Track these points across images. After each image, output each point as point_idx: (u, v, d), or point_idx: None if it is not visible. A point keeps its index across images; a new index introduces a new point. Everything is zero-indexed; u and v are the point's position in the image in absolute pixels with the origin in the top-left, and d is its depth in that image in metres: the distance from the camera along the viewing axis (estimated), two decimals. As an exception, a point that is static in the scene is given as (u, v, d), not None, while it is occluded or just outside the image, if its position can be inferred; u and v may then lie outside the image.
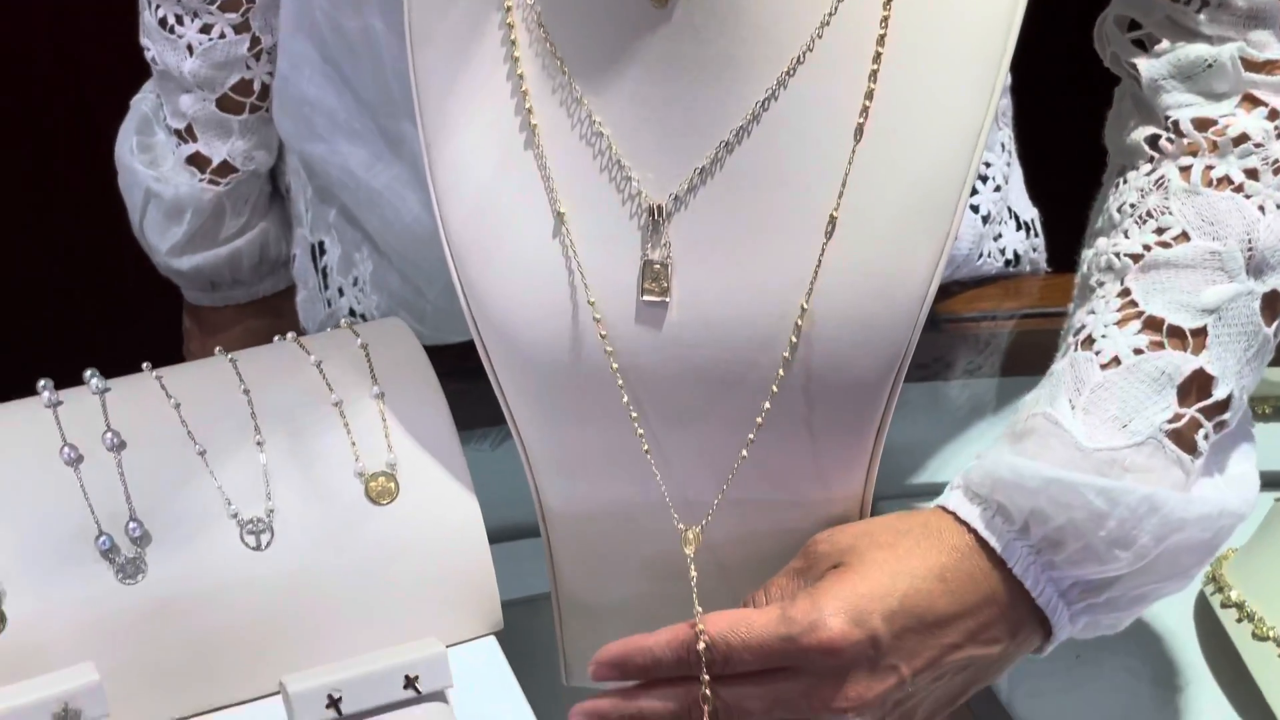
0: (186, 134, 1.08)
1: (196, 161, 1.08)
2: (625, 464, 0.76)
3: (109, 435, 0.76)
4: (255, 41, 1.05)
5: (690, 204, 0.72)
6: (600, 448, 0.76)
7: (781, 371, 0.72)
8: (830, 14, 0.71)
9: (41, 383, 0.78)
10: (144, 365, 0.81)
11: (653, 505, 0.76)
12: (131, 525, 0.74)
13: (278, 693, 0.73)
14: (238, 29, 1.04)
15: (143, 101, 1.12)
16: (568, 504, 0.79)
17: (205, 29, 1.04)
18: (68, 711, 0.69)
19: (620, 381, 0.74)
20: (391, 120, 0.99)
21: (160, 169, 1.10)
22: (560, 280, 0.73)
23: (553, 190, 0.73)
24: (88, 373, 0.79)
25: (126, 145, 1.11)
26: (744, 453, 0.74)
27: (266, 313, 1.15)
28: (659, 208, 0.72)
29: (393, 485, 0.78)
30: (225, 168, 1.08)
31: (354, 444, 0.78)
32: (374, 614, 0.76)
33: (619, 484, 0.77)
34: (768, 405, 0.73)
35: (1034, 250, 1.08)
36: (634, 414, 0.74)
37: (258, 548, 0.76)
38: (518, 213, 0.74)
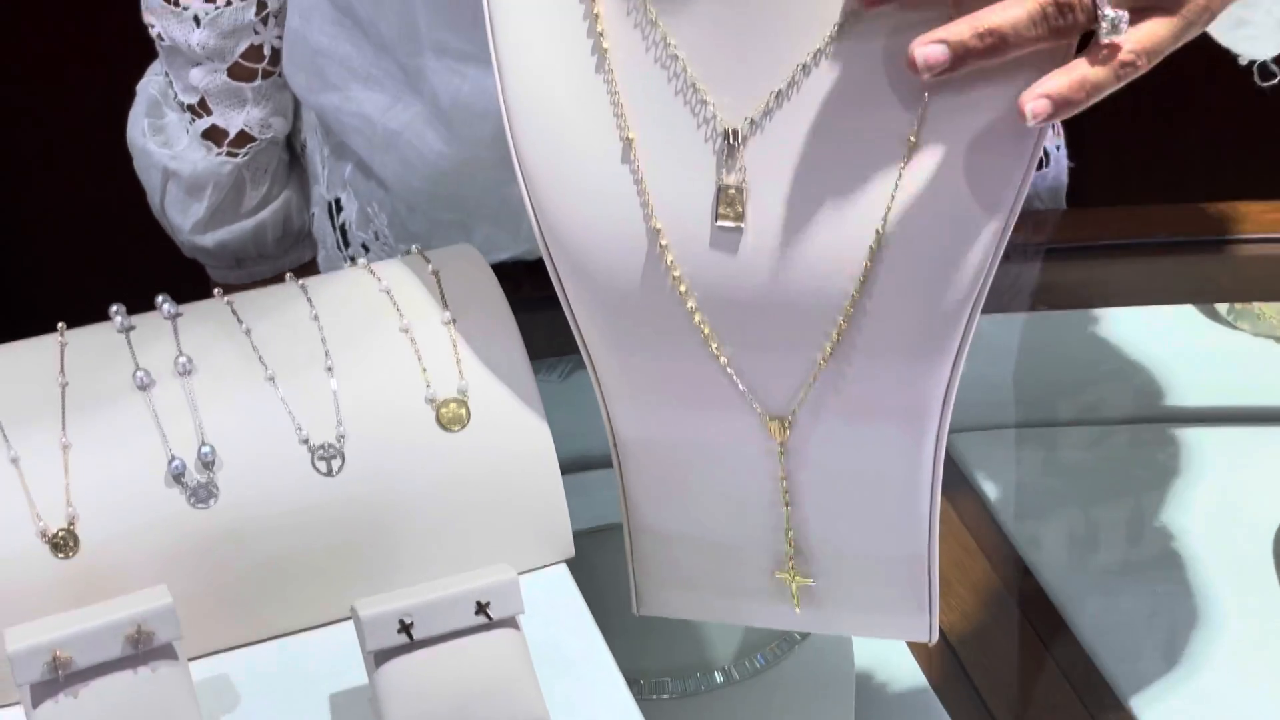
0: (200, 108, 1.07)
1: (213, 135, 1.07)
2: (701, 390, 0.75)
3: (181, 360, 0.76)
4: (262, 5, 1.04)
5: (766, 128, 0.71)
6: (674, 373, 0.75)
7: (855, 293, 0.71)
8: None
9: (114, 307, 0.78)
10: (215, 291, 0.80)
11: (729, 430, 0.76)
12: (204, 449, 0.74)
13: (348, 618, 0.73)
14: None
15: (149, 85, 1.11)
16: (641, 431, 0.78)
17: None
18: (140, 634, 0.69)
19: (693, 305, 0.73)
20: (412, 57, 0.98)
21: (175, 148, 1.08)
22: (631, 206, 0.73)
23: (623, 114, 0.72)
24: (159, 298, 0.79)
25: (138, 129, 1.10)
26: (817, 376, 0.73)
27: None
28: (734, 132, 0.71)
29: (464, 412, 0.77)
30: (243, 138, 1.07)
31: (425, 370, 0.78)
32: (445, 541, 0.76)
33: (695, 410, 0.76)
34: (841, 329, 0.72)
35: (1058, 149, 1.06)
36: (710, 339, 0.73)
37: (328, 473, 0.75)
38: (588, 137, 0.73)
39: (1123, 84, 0.67)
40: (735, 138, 0.71)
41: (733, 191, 0.71)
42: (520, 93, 0.74)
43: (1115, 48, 0.67)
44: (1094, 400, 1.14)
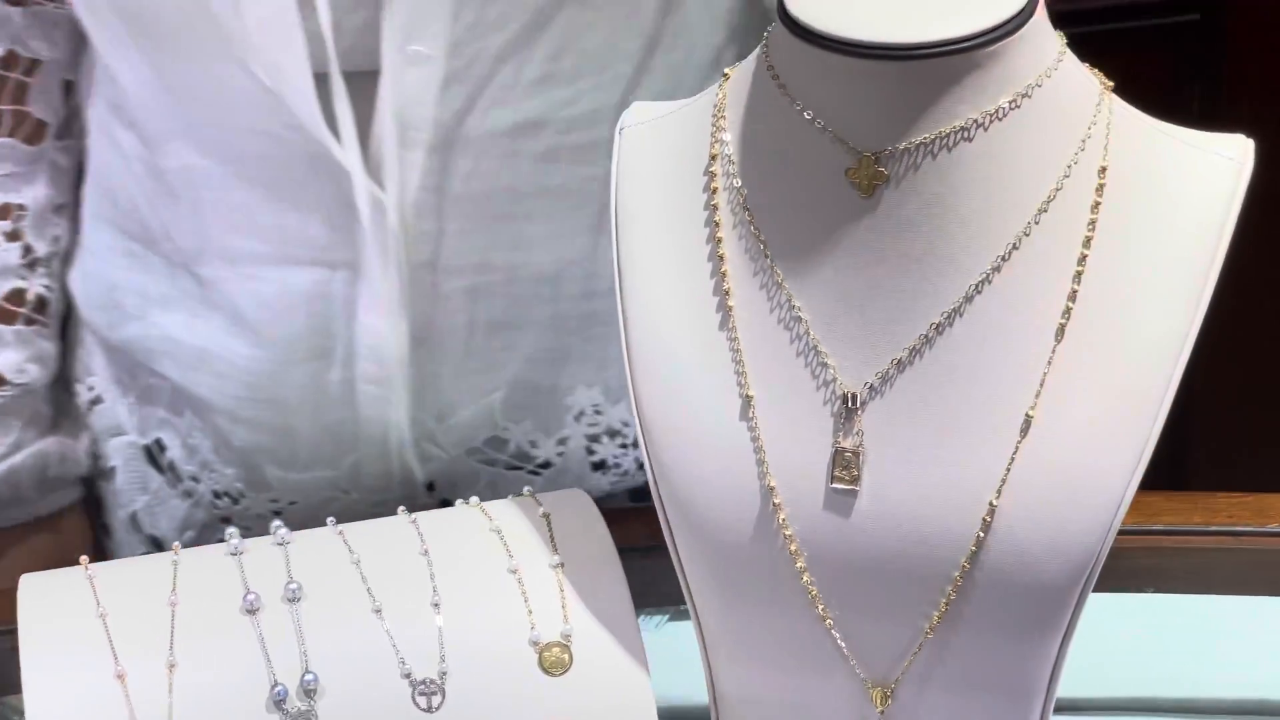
0: None
1: None
2: (804, 651, 0.75)
3: (290, 586, 0.77)
4: (28, 250, 1.00)
5: (885, 394, 0.72)
6: (779, 633, 0.75)
7: (967, 565, 0.71)
8: (1040, 212, 0.70)
9: (229, 530, 0.80)
10: (328, 520, 0.81)
11: (830, 694, 0.75)
12: (307, 677, 0.75)
13: None
14: (9, 236, 0.99)
15: None
16: (742, 688, 0.78)
17: None
18: None
19: (802, 565, 0.73)
20: (208, 265, 0.96)
21: None
22: (747, 463, 0.73)
23: (744, 372, 0.73)
24: (275, 523, 0.80)
25: None
26: (922, 646, 0.73)
27: (50, 530, 1.06)
28: (853, 395, 0.72)
29: (566, 657, 0.77)
30: None
31: (530, 612, 0.78)
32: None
33: (796, 671, 0.76)
34: (950, 599, 0.72)
35: None
36: (817, 600, 0.73)
37: (428, 709, 0.75)
38: (709, 391, 0.74)
39: None
40: (854, 401, 0.72)
41: (849, 454, 0.72)
42: (644, 343, 0.75)
43: None
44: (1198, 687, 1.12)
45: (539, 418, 0.99)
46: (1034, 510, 0.71)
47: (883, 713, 0.75)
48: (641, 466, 0.98)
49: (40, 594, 0.78)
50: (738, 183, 0.74)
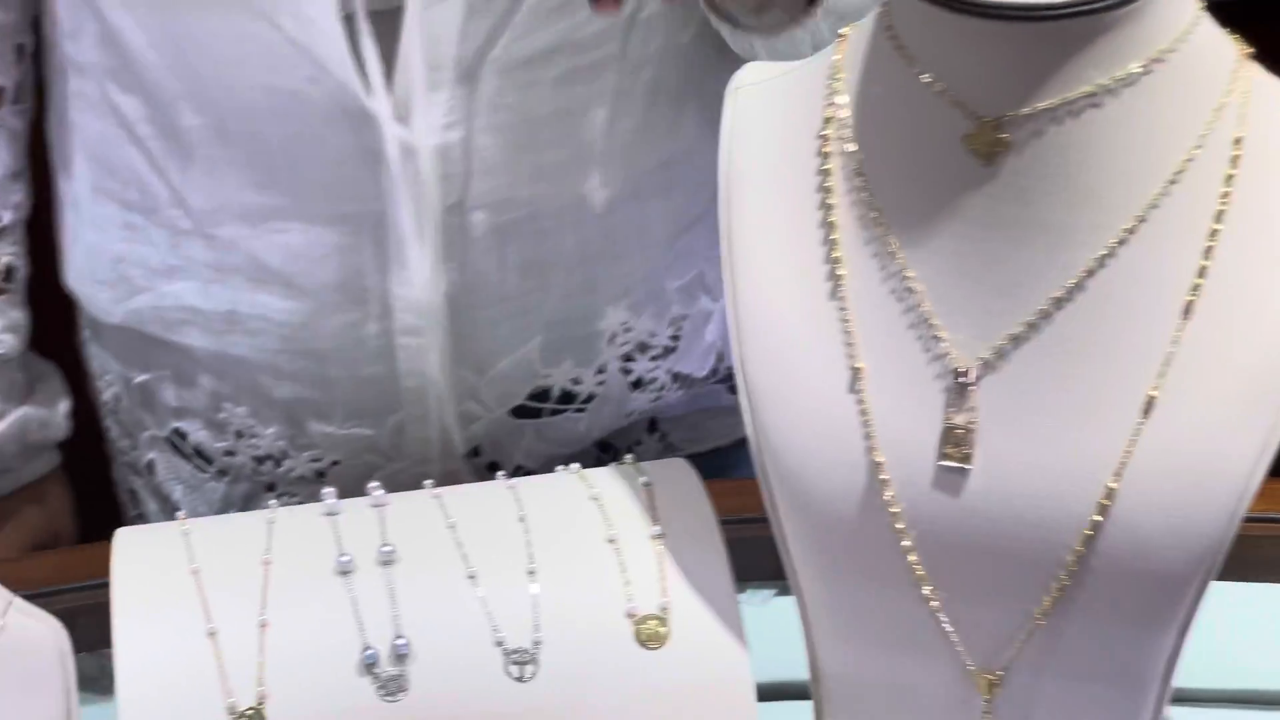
0: None
1: None
2: (907, 632, 0.72)
3: (384, 549, 0.75)
4: None
5: (1000, 370, 0.69)
6: (882, 612, 0.73)
7: (1081, 550, 0.68)
8: (1170, 183, 0.67)
9: (326, 490, 0.78)
10: (425, 482, 0.80)
11: (934, 678, 0.73)
12: (399, 642, 0.73)
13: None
14: None
15: None
16: (844, 667, 0.75)
17: None
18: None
19: (908, 544, 0.71)
20: (225, 225, 0.94)
21: None
22: (853, 436, 0.71)
23: (853, 343, 0.71)
24: (371, 484, 0.79)
25: None
26: (1032, 633, 0.70)
27: (35, 499, 1.06)
28: (966, 371, 0.69)
29: (663, 630, 0.75)
30: None
31: (627, 583, 0.76)
32: (626, 763, 0.74)
33: (899, 652, 0.73)
34: (1063, 585, 0.69)
35: None
36: (923, 580, 0.71)
37: (520, 679, 0.74)
38: (817, 362, 0.72)
39: None
40: (967, 377, 0.69)
41: (960, 432, 0.69)
42: (751, 309, 0.73)
43: None
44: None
45: (577, 353, 0.99)
46: (1154, 495, 0.68)
47: (989, 701, 0.72)
48: (676, 379, 1.02)
49: (134, 549, 0.77)
50: (852, 147, 0.72)
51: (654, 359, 1.03)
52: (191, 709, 0.72)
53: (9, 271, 1.01)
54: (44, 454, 1.06)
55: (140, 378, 1.03)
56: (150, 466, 1.07)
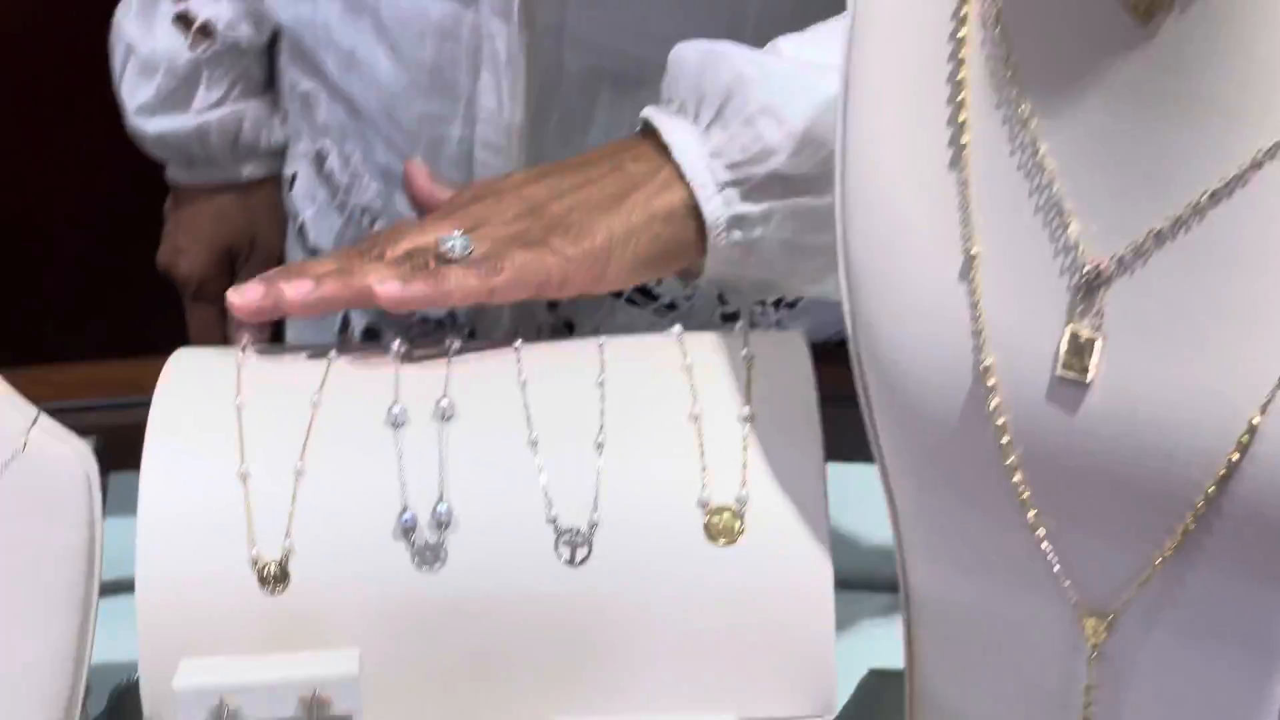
0: None
1: (184, 20, 1.06)
2: (1009, 561, 0.63)
3: (443, 402, 0.68)
4: None
5: (1137, 271, 0.58)
6: (981, 537, 0.63)
7: (1213, 490, 0.58)
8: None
9: (393, 332, 0.72)
10: (515, 343, 0.72)
11: (1036, 615, 0.63)
12: (441, 507, 0.67)
13: (549, 729, 0.64)
14: None
15: None
16: (936, 589, 0.66)
17: None
18: (315, 700, 0.62)
19: (1013, 462, 0.61)
20: None
21: (149, 28, 1.07)
22: (961, 332, 0.61)
23: (970, 224, 0.61)
24: (450, 338, 0.72)
25: (127, 7, 1.09)
26: (1151, 578, 0.60)
27: (241, 193, 1.12)
28: (1097, 269, 0.59)
29: (737, 525, 0.67)
30: (206, 31, 1.05)
31: (705, 468, 0.68)
32: (682, 668, 0.66)
33: (999, 583, 0.64)
34: (1189, 528, 0.59)
35: None
36: (1028, 505, 0.61)
37: (571, 561, 0.67)
38: (928, 243, 0.62)
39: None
40: (1097, 276, 0.59)
41: (1083, 340, 0.59)
42: (860, 171, 0.63)
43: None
44: None
45: None
46: (1306, 436, 0.57)
47: (1095, 647, 0.62)
48: None
49: (185, 372, 0.72)
50: (994, -9, 0.61)
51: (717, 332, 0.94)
52: (212, 558, 0.66)
53: None
54: (255, 158, 1.10)
55: (304, 85, 1.05)
56: (293, 180, 1.08)
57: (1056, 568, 0.62)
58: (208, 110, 1.08)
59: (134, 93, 1.10)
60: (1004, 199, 0.60)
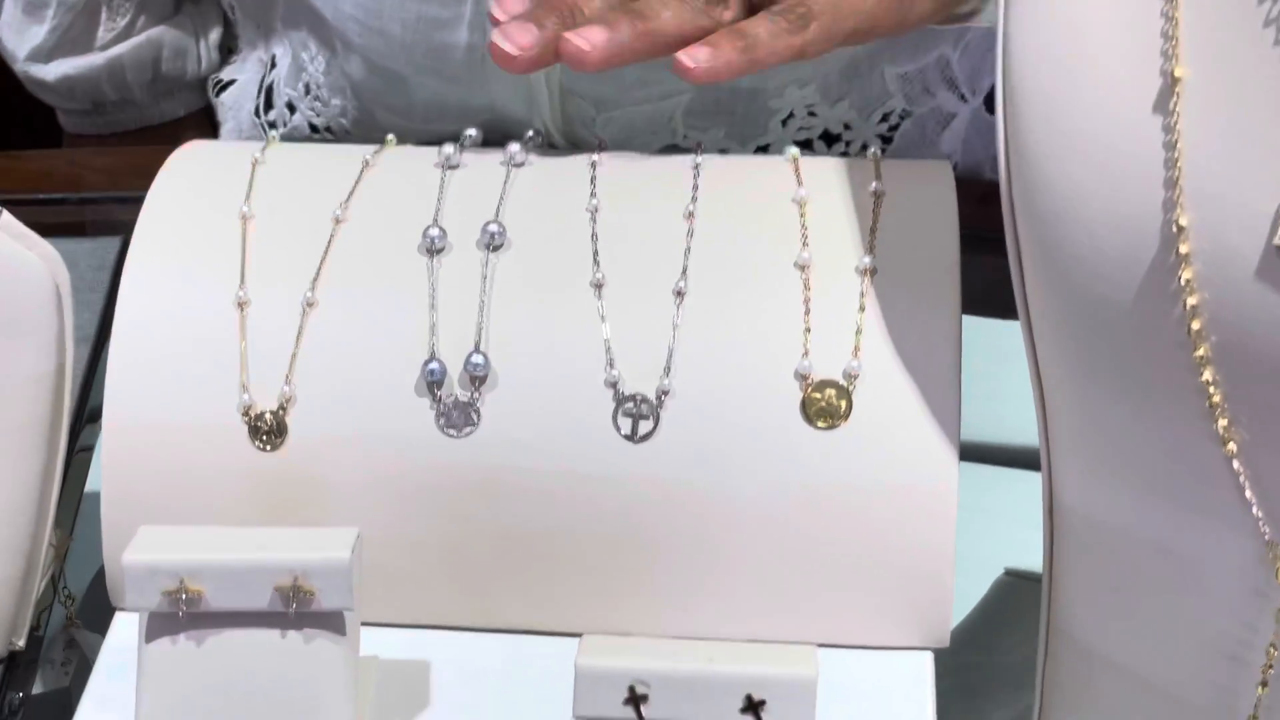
0: None
1: None
2: (1186, 478, 0.51)
3: (492, 228, 0.55)
4: None
5: (1397, 112, 0.43)
6: (1154, 445, 0.50)
7: None
8: None
9: (469, 131, 0.59)
10: (594, 154, 0.59)
11: (1214, 546, 0.51)
12: (474, 359, 0.54)
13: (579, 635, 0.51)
14: None
15: None
16: (1092, 504, 0.53)
17: None
18: (296, 590, 0.50)
19: (1204, 354, 0.47)
20: None
21: None
22: (1151, 179, 0.47)
23: (1174, 39, 0.46)
24: (529, 134, 0.58)
25: None
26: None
27: (163, 142, 0.89)
28: (1342, 106, 0.44)
29: (843, 405, 0.54)
30: None
31: (808, 331, 0.54)
32: (759, 576, 0.54)
33: (1172, 503, 0.51)
34: None
35: None
36: (1218, 412, 0.47)
37: (630, 436, 0.54)
38: (1115, 61, 0.48)
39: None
40: (1340, 116, 0.44)
41: (1315, 200, 0.44)
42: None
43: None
44: None
45: (734, 124, 0.77)
46: None
47: (1295, 582, 0.49)
48: None
49: (186, 170, 0.60)
50: None
51: (843, 155, 0.78)
52: (196, 401, 0.55)
53: None
54: (176, 92, 0.94)
55: None
56: (226, 86, 0.93)
57: (1248, 492, 0.49)
58: (115, 43, 0.91)
59: (21, 36, 0.93)
60: (1215, 14, 0.45)
